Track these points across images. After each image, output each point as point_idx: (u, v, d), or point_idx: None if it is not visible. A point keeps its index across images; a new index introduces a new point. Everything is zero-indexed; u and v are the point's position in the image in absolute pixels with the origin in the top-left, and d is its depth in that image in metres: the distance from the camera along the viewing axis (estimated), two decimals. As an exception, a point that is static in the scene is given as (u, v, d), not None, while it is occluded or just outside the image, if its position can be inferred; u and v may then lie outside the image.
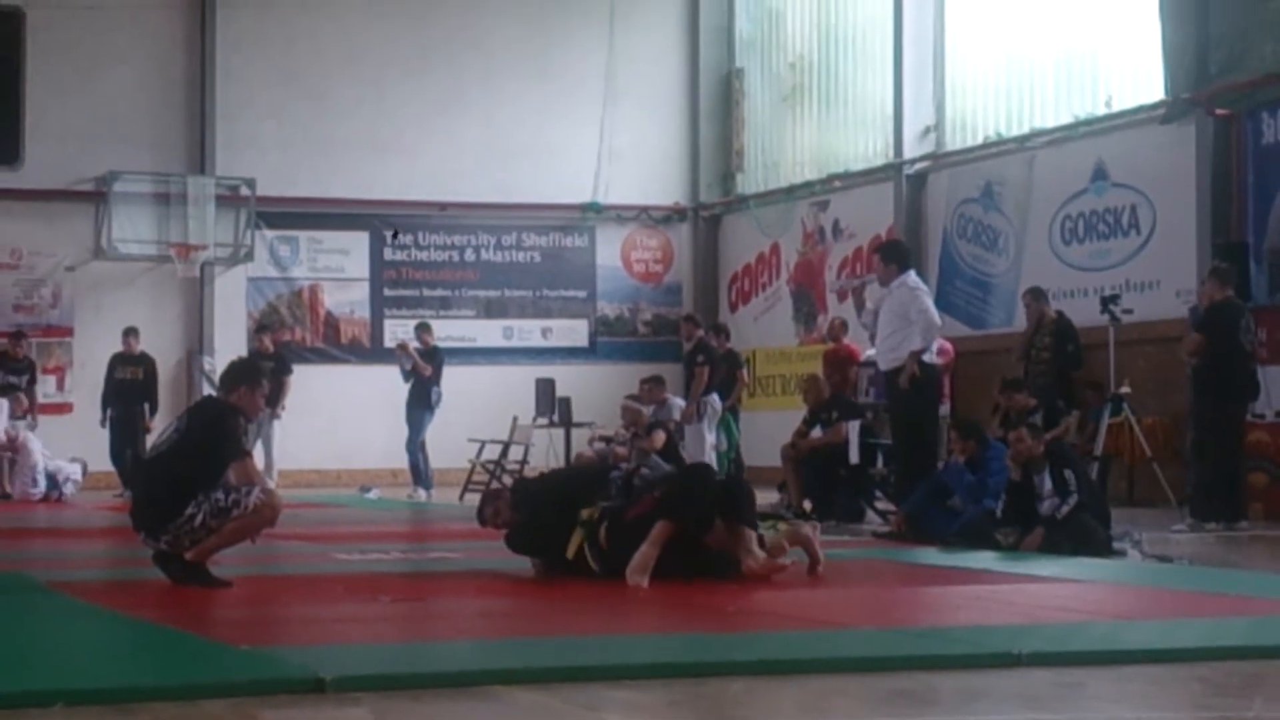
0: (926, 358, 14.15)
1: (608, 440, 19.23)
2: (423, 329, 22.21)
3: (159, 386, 21.90)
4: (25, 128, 24.35)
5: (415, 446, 21.45)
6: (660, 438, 17.20)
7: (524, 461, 21.11)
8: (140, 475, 9.76)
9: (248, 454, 9.27)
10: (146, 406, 21.39)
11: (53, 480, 20.69)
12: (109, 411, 21.26)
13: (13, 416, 20.86)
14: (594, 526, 9.39)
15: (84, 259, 24.63)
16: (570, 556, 9.39)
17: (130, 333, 21.72)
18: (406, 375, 21.60)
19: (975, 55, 22.15)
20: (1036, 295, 17.35)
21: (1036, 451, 11.82)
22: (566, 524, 9.46)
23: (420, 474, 21.38)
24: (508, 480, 20.01)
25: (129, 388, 21.36)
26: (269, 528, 9.29)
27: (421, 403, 21.45)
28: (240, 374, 9.58)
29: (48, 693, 5.48)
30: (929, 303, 14.27)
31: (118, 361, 21.55)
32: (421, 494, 21.15)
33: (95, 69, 24.51)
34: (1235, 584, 9.62)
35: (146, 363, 21.59)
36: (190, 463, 9.02)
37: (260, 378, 9.61)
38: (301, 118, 25.25)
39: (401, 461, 23.14)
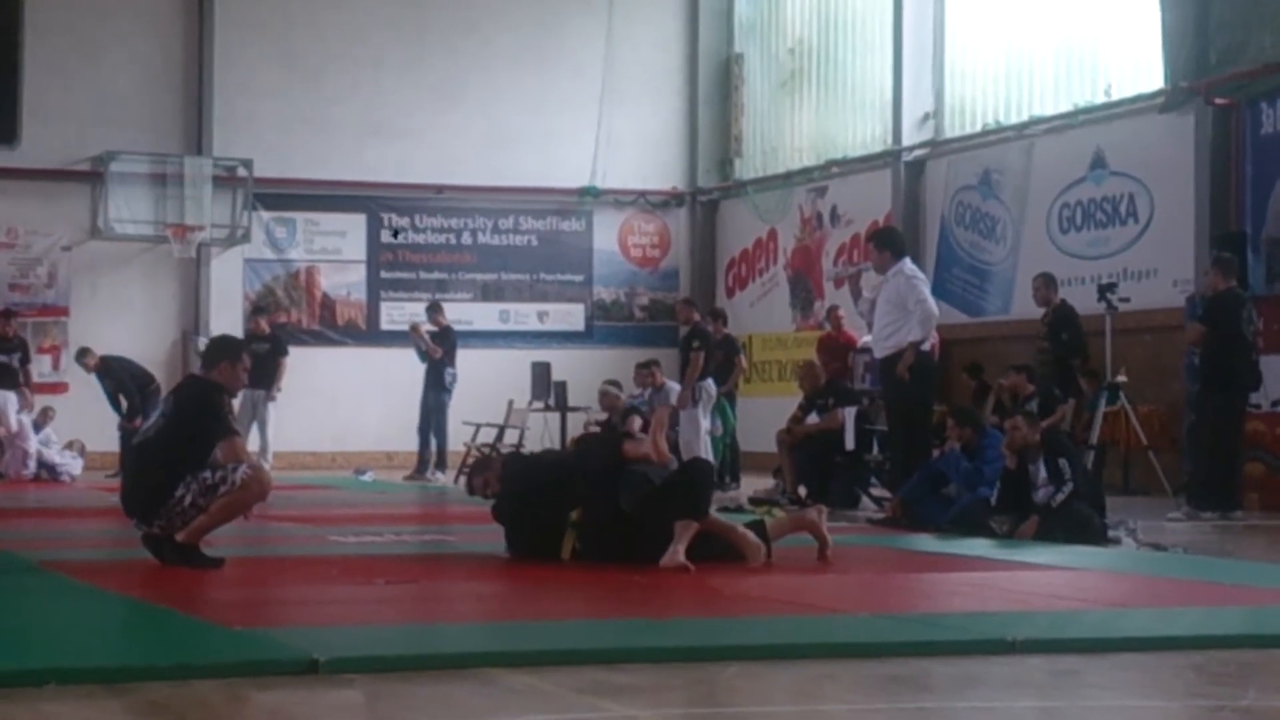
0: (923, 347, 14.12)
1: (602, 425, 19.23)
2: (434, 309, 22.13)
3: (140, 379, 21.50)
4: (23, 107, 24.29)
5: (440, 430, 21.39)
6: (636, 423, 17.20)
7: (519, 445, 21.10)
8: (130, 462, 9.72)
9: (235, 433, 9.20)
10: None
11: (50, 469, 20.61)
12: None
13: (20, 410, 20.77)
14: (584, 529, 9.36)
15: (80, 239, 24.60)
16: (566, 557, 9.36)
17: (82, 354, 21.12)
18: (422, 357, 21.59)
19: (975, 42, 22.13)
20: (1047, 281, 17.11)
21: (1032, 440, 11.82)
22: (557, 524, 9.42)
23: (443, 458, 21.34)
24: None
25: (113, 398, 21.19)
26: (259, 503, 9.23)
27: (437, 385, 21.42)
28: (221, 350, 9.51)
29: (40, 671, 5.48)
30: (927, 292, 14.22)
31: (97, 378, 21.25)
32: (440, 477, 21.11)
33: (93, 49, 24.46)
34: (1230, 573, 9.61)
35: (110, 373, 21.11)
36: (178, 445, 8.98)
37: (241, 352, 9.52)
38: (299, 99, 25.22)
39: (397, 444, 23.26)
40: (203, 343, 24.21)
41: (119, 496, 9.50)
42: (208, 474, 8.91)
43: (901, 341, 13.97)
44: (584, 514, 9.36)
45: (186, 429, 9.02)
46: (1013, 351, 17.70)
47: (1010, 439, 11.91)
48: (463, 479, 19.98)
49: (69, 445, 21.38)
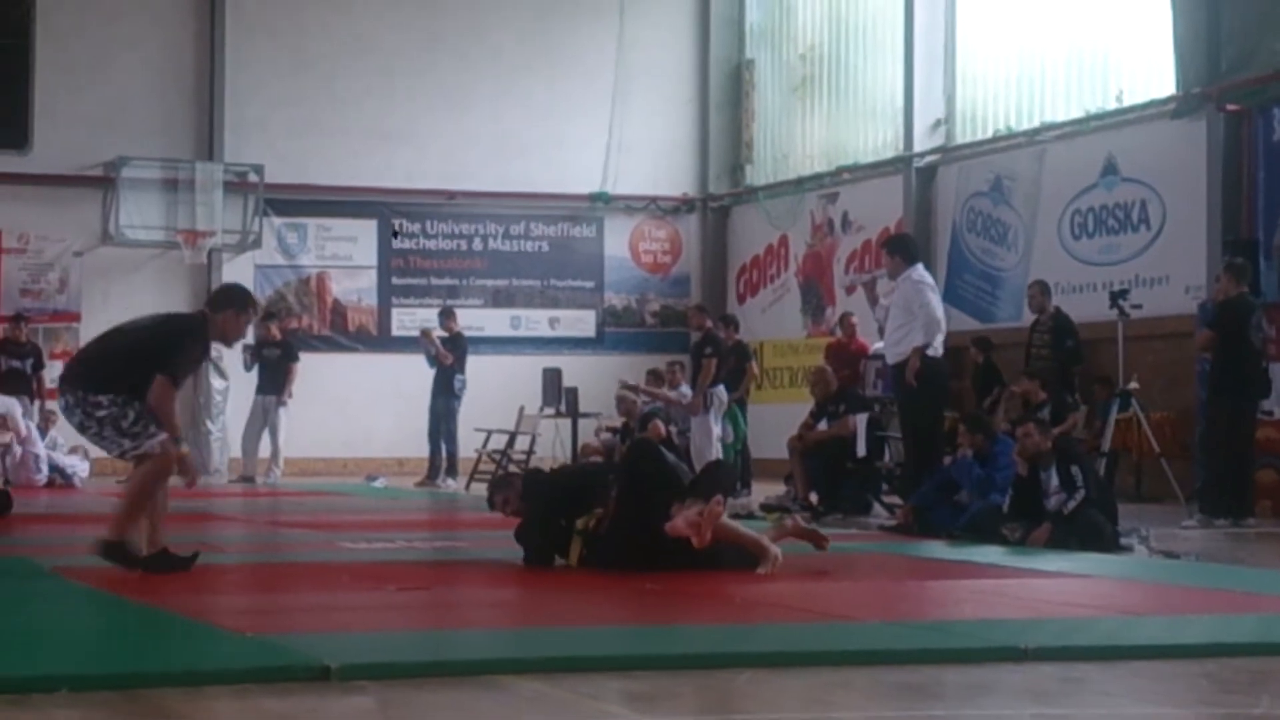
0: (930, 352, 14.12)
1: (614, 431, 19.25)
2: (446, 315, 22.18)
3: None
4: (34, 112, 24.37)
5: (450, 437, 21.45)
6: (659, 427, 17.22)
7: (530, 451, 21.10)
8: (102, 335, 9.59)
9: (175, 379, 8.89)
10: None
11: (61, 472, 20.68)
12: None
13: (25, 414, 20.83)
14: (591, 535, 9.36)
15: (92, 244, 24.64)
16: (574, 563, 9.37)
17: None
18: (431, 362, 21.63)
19: (986, 48, 22.13)
20: (1043, 289, 17.34)
21: (1044, 447, 11.80)
22: (565, 530, 9.42)
23: (454, 464, 21.39)
24: (514, 470, 20.02)
25: None
26: (164, 478, 8.96)
27: (446, 390, 21.46)
28: (229, 297, 9.38)
29: (53, 678, 5.47)
30: (931, 297, 14.23)
31: None
32: (451, 484, 21.17)
33: (104, 54, 24.51)
34: (1242, 580, 9.60)
35: None
36: (142, 358, 8.81)
37: (248, 304, 9.40)
38: (310, 105, 25.25)
39: (408, 450, 23.27)
40: (215, 349, 24.22)
41: (70, 367, 9.28)
42: (131, 415, 8.73)
43: (909, 348, 13.99)
44: (613, 515, 9.31)
45: (156, 346, 8.87)
46: (1024, 358, 17.67)
47: (1022, 446, 11.89)
48: (474, 485, 20.15)
49: (73, 450, 21.42)
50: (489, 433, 21.39)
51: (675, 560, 8.99)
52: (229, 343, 9.45)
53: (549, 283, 26.47)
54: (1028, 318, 18.46)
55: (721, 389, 18.71)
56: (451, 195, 25.95)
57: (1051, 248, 20.40)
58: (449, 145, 25.76)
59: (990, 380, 19.24)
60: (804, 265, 25.24)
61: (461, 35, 25.91)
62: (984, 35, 22.17)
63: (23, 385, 21.09)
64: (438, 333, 21.84)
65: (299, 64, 25.27)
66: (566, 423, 21.52)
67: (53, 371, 23.11)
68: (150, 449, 8.76)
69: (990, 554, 10.98)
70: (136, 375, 8.77)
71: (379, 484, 21.46)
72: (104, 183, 24.56)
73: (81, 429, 8.89)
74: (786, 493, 16.62)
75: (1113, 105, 20.03)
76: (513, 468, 20.16)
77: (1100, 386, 17.70)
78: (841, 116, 24.91)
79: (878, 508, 15.63)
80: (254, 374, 22.23)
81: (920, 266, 14.58)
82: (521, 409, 21.99)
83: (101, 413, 8.77)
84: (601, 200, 26.49)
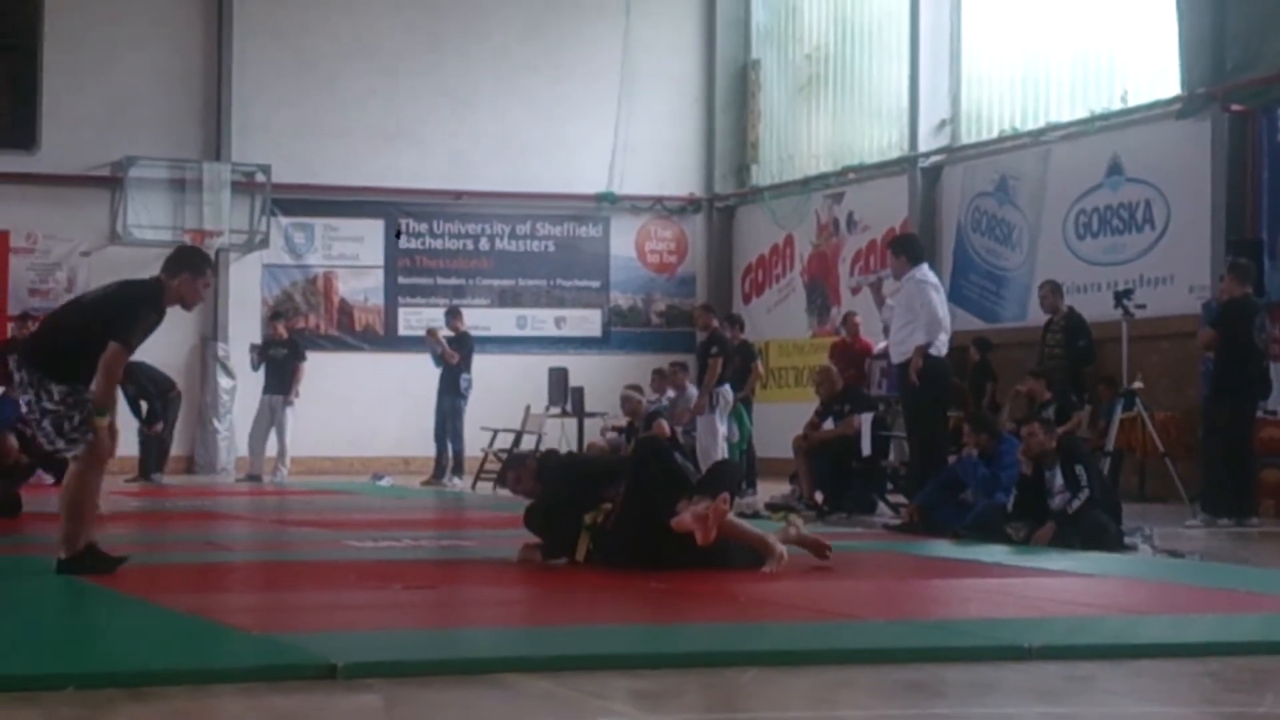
0: (933, 351, 14.13)
1: (619, 430, 19.27)
2: (453, 314, 22.22)
3: (161, 384, 21.40)
4: (42, 112, 24.39)
5: (456, 436, 21.47)
6: (664, 426, 17.23)
7: (536, 451, 21.12)
8: (62, 307, 9.56)
9: (130, 347, 8.83)
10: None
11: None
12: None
13: None
14: (599, 531, 9.38)
15: (99, 244, 24.65)
16: (581, 559, 9.39)
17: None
18: (437, 361, 21.66)
19: (991, 49, 22.13)
20: (1054, 289, 17.35)
21: (1048, 446, 11.82)
22: (574, 526, 9.45)
23: (460, 463, 21.41)
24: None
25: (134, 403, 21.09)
26: (95, 472, 9.03)
27: (452, 389, 21.48)
28: (186, 260, 9.29)
29: (59, 676, 5.50)
30: (934, 296, 14.24)
31: None
32: (457, 483, 21.20)
33: (112, 54, 24.53)
34: (1246, 580, 9.61)
35: (132, 378, 20.79)
36: (98, 322, 8.80)
37: (205, 268, 9.29)
38: (317, 105, 25.27)
39: (414, 449, 23.28)
40: (222, 349, 24.38)
41: (30, 342, 9.32)
42: (76, 418, 8.74)
43: (912, 348, 14.01)
44: (619, 512, 9.34)
45: (112, 314, 8.85)
46: (1029, 357, 17.70)
47: (1026, 445, 11.91)
48: (480, 484, 20.16)
49: None
50: (495, 432, 21.41)
51: (681, 558, 9.01)
52: (188, 307, 9.35)
53: (555, 282, 26.49)
54: (1032, 317, 18.49)
55: (727, 388, 18.71)
56: (458, 195, 25.97)
57: (1056, 248, 20.40)
58: (454, 146, 25.78)
59: (983, 378, 19.36)
60: (809, 265, 25.24)
61: (465, 36, 25.93)
62: (989, 36, 22.17)
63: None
64: (444, 332, 21.86)
65: (304, 65, 25.30)
66: (572, 422, 21.55)
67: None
68: (77, 452, 8.80)
69: (995, 553, 11.00)
70: (93, 348, 8.75)
71: (385, 483, 21.47)
72: (111, 183, 24.58)
73: (28, 408, 8.91)
74: (792, 492, 16.63)
75: (1118, 105, 20.03)
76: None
77: (1105, 386, 17.70)
78: (847, 117, 24.92)
79: (883, 507, 15.65)
80: (260, 373, 22.26)
81: (925, 266, 14.60)
82: (527, 408, 22.01)
83: (51, 405, 8.79)
84: (607, 200, 26.51)
